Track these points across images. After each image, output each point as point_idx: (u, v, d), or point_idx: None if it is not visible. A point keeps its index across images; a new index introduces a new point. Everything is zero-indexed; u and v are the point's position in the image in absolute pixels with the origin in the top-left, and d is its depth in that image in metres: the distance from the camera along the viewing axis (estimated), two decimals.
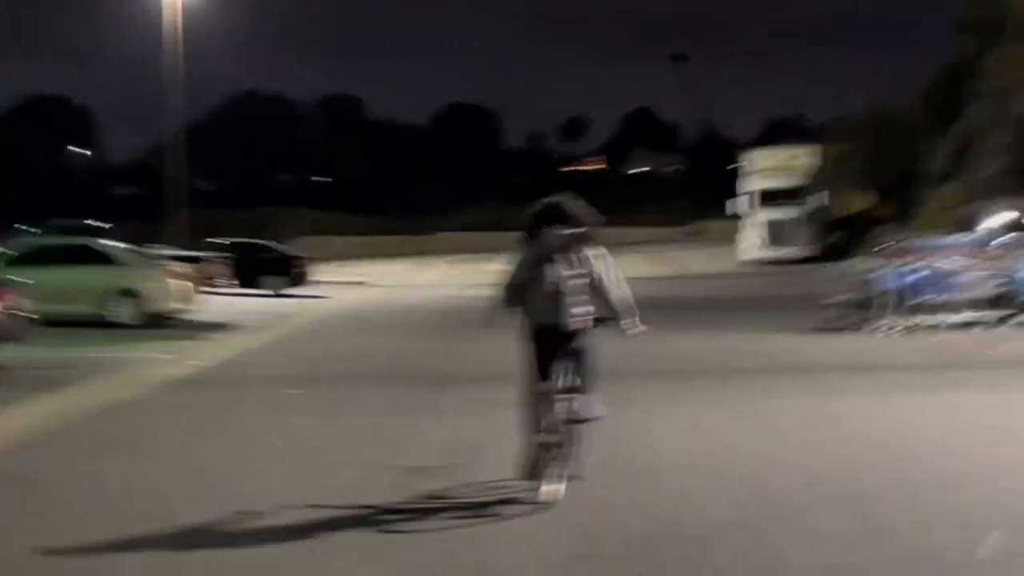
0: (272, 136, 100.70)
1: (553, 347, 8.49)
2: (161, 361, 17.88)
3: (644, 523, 7.79)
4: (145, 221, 59.20)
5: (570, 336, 8.50)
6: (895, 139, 47.92)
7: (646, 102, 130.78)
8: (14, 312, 16.89)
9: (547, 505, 8.10)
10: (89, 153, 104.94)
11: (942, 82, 47.21)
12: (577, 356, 8.51)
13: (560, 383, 8.46)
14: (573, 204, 8.74)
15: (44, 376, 15.23)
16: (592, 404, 8.57)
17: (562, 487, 8.32)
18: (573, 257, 8.52)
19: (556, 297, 8.43)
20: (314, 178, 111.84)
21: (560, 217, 8.62)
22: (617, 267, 8.84)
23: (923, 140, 46.11)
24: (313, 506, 8.36)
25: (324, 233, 74.59)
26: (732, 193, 49.90)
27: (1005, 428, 11.10)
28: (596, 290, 8.61)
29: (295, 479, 9.39)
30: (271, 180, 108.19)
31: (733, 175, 56.37)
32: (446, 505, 8.39)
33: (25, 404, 12.98)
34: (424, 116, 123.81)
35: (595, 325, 8.69)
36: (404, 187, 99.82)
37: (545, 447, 8.37)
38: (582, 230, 8.60)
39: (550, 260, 8.49)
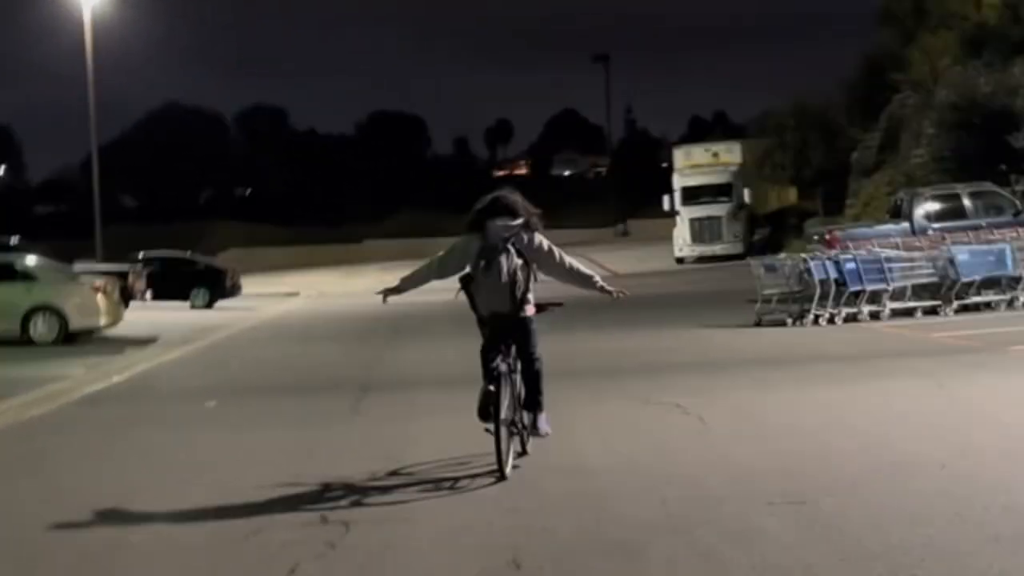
0: (194, 149, 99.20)
1: (503, 332, 8.97)
2: (77, 378, 17.49)
3: (570, 529, 7.28)
4: (69, 238, 58.10)
5: (519, 322, 8.99)
6: (817, 133, 47.93)
7: (571, 104, 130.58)
8: None
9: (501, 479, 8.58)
10: (2, 170, 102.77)
11: (863, 74, 47.33)
12: (523, 341, 9.03)
13: (509, 399, 8.88)
14: (514, 197, 9.17)
15: None
16: (543, 421, 9.19)
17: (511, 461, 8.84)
18: (520, 246, 8.94)
19: (506, 287, 8.86)
20: (238, 190, 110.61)
21: (503, 210, 9.00)
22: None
23: (845, 133, 46.17)
24: (197, 520, 7.98)
25: (251, 245, 73.57)
26: (663, 191, 49.65)
27: (940, 416, 10.72)
28: (558, 268, 9.18)
29: (184, 495, 8.87)
30: (195, 193, 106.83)
31: (662, 173, 55.98)
32: (351, 519, 7.80)
33: None
34: (347, 126, 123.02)
35: (538, 311, 9.23)
36: (330, 196, 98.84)
37: (507, 424, 8.85)
38: (525, 220, 9.01)
39: (499, 251, 8.85)
